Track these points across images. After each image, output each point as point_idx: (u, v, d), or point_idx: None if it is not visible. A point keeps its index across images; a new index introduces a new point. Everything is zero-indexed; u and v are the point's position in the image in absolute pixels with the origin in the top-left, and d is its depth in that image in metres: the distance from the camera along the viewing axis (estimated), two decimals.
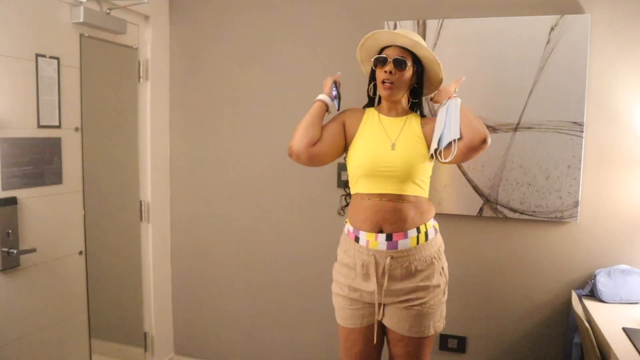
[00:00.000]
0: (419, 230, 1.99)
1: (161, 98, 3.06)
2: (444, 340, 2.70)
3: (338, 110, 2.18)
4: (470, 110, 1.97)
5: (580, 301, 2.36)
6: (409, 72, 2.02)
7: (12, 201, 2.15)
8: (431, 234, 2.03)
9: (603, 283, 2.31)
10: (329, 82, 2.17)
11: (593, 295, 2.37)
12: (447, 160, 1.94)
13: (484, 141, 1.88)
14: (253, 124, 2.97)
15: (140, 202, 2.99)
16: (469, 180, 2.57)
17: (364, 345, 2.08)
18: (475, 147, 1.89)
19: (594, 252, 2.49)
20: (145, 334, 3.07)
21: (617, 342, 1.89)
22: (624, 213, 2.44)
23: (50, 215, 2.37)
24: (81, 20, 2.41)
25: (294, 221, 2.94)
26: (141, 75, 2.92)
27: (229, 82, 2.99)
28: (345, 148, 2.12)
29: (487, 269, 2.64)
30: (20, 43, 2.19)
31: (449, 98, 2.01)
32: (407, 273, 1.98)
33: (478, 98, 2.49)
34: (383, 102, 2.12)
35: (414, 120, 2.07)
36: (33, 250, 2.21)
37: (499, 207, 2.55)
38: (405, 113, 2.11)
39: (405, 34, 2.01)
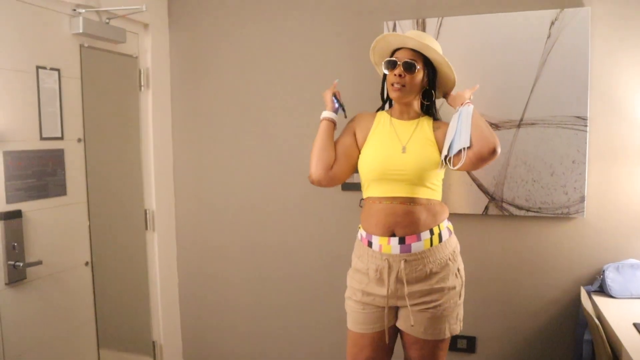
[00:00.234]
0: (432, 232, 1.98)
1: (163, 106, 3.06)
2: (453, 341, 2.68)
3: (346, 117, 2.18)
4: (483, 118, 1.96)
5: (590, 297, 2.34)
6: (419, 75, 2.01)
7: (17, 214, 2.15)
8: (445, 236, 2.01)
9: (612, 278, 2.30)
10: (328, 97, 2.16)
11: (602, 291, 2.35)
12: (456, 168, 1.93)
13: (493, 151, 1.87)
14: (255, 129, 2.96)
15: (145, 210, 2.99)
16: (474, 179, 2.56)
17: (373, 352, 2.07)
18: (484, 157, 1.88)
19: (601, 247, 2.47)
20: (153, 342, 3.06)
21: (628, 337, 1.87)
22: (631, 207, 2.42)
23: (56, 227, 2.37)
24: (80, 31, 2.41)
25: (300, 226, 2.94)
26: (142, 83, 2.93)
27: (229, 88, 2.99)
28: None
29: (494, 268, 2.62)
30: (20, 56, 2.19)
31: (462, 104, 2.00)
32: (422, 276, 1.96)
33: (480, 95, 2.46)
34: (395, 104, 2.11)
35: (425, 124, 2.06)
36: (39, 263, 2.21)
37: (504, 204, 2.53)
38: (417, 116, 2.09)
39: (416, 36, 2.00)
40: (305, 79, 2.84)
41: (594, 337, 2.12)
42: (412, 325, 1.99)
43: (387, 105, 2.19)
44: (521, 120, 2.47)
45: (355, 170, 2.11)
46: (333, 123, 2.12)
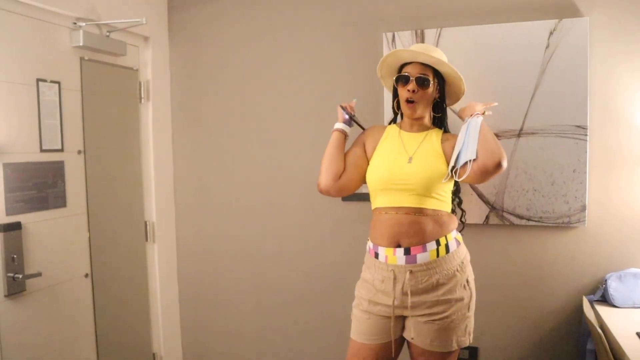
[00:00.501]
0: (438, 243, 1.96)
1: (163, 118, 3.07)
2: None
3: (363, 129, 2.20)
4: (491, 131, 1.95)
5: (592, 307, 2.32)
6: (431, 88, 2.02)
7: (17, 226, 2.15)
8: (452, 246, 1.99)
9: (614, 287, 2.28)
10: (340, 110, 2.18)
11: (605, 300, 2.33)
12: (461, 180, 1.93)
13: (498, 165, 1.86)
14: (255, 140, 2.97)
15: (145, 222, 2.98)
16: (474, 189, 2.55)
17: None
18: (488, 170, 1.87)
19: (603, 256, 2.45)
20: (153, 355, 3.04)
21: (631, 347, 1.85)
22: (632, 215, 2.41)
23: (55, 239, 2.37)
24: (81, 44, 2.43)
25: (301, 238, 2.93)
26: (142, 95, 2.94)
27: (229, 100, 3.00)
28: None
29: (495, 278, 2.60)
30: (21, 69, 2.21)
31: (472, 115, 2.00)
32: (429, 286, 1.94)
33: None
34: (405, 118, 2.12)
35: (434, 136, 2.06)
36: (38, 275, 2.21)
37: (505, 214, 2.53)
38: (426, 128, 2.10)
39: (424, 50, 2.02)
40: (304, 90, 2.85)
41: (597, 347, 2.11)
42: (413, 339, 1.98)
43: (398, 118, 2.20)
44: (521, 129, 2.47)
45: (364, 181, 2.12)
46: (344, 134, 2.14)
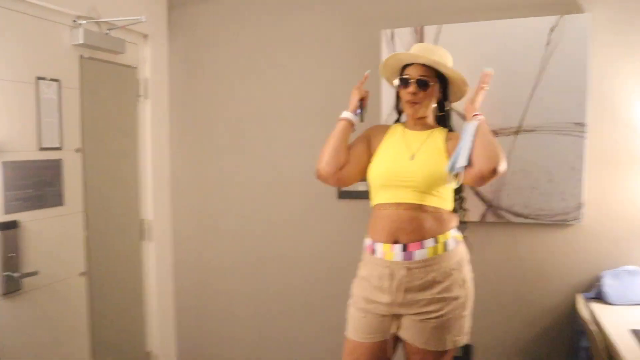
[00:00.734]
0: (436, 241, 1.96)
1: (161, 116, 3.08)
2: None
3: (362, 121, 2.18)
4: (490, 133, 1.94)
5: (587, 304, 2.32)
6: (432, 88, 2.03)
7: (14, 225, 2.14)
8: (451, 245, 1.99)
9: (610, 285, 2.28)
10: (354, 99, 2.15)
11: (600, 297, 2.33)
12: (456, 185, 1.94)
13: (494, 171, 1.85)
14: (254, 139, 2.97)
15: (141, 220, 2.99)
16: (471, 187, 2.55)
17: None
18: (484, 177, 1.87)
19: (599, 253, 2.45)
20: (148, 353, 3.05)
21: (626, 344, 1.85)
22: (628, 213, 2.41)
23: (52, 238, 2.37)
24: (81, 42, 2.42)
25: (297, 235, 2.94)
26: (141, 93, 2.94)
27: (228, 99, 3.00)
28: None
29: (491, 275, 2.60)
30: (20, 67, 2.21)
31: (472, 116, 1.99)
32: (425, 284, 1.94)
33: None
34: (408, 117, 2.12)
35: (438, 134, 2.07)
36: (35, 273, 2.21)
37: (502, 211, 2.52)
38: (430, 127, 2.11)
39: (426, 51, 2.03)
40: (304, 88, 2.85)
41: (591, 344, 2.11)
42: (407, 337, 1.98)
43: (402, 118, 2.20)
44: (520, 126, 2.47)
45: (363, 178, 2.12)
46: (351, 124, 2.12)
